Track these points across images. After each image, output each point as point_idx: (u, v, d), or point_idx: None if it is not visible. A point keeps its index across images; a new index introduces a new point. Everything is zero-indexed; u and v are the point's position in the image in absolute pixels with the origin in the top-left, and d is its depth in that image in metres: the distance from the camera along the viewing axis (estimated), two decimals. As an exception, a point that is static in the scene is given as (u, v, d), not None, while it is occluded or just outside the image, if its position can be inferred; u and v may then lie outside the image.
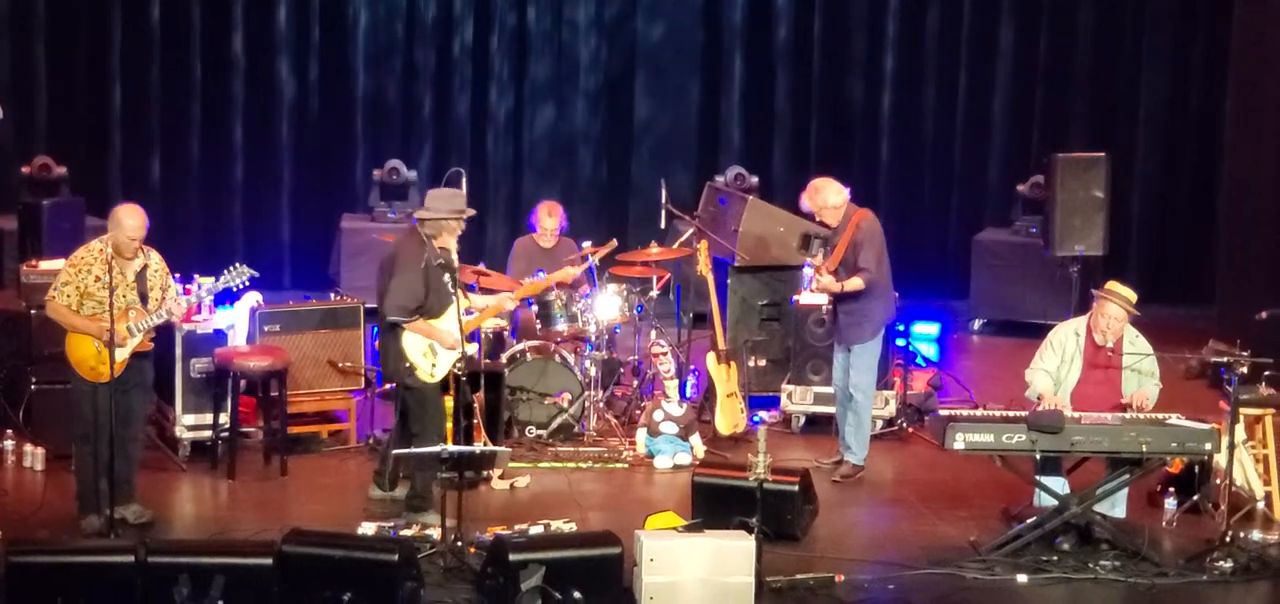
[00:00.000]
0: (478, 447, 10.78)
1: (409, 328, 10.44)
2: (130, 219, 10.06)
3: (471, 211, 10.76)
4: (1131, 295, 10.43)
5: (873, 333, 11.47)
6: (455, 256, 10.72)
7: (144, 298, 10.12)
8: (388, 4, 17.31)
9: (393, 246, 10.72)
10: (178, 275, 11.48)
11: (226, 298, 11.88)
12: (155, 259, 10.29)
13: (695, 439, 11.96)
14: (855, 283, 11.28)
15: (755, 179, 16.55)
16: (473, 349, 10.65)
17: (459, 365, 10.42)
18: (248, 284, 10.65)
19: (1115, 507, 10.37)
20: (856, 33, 17.68)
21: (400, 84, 17.45)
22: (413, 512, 10.43)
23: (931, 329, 15.44)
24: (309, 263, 17.00)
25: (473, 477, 10.70)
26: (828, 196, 11.44)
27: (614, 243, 12.88)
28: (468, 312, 10.65)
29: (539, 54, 17.53)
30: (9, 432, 11.66)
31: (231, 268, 10.52)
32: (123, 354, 9.99)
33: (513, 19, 17.42)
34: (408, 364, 10.46)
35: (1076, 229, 13.89)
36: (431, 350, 10.48)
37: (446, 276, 10.47)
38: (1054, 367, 10.47)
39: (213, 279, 10.65)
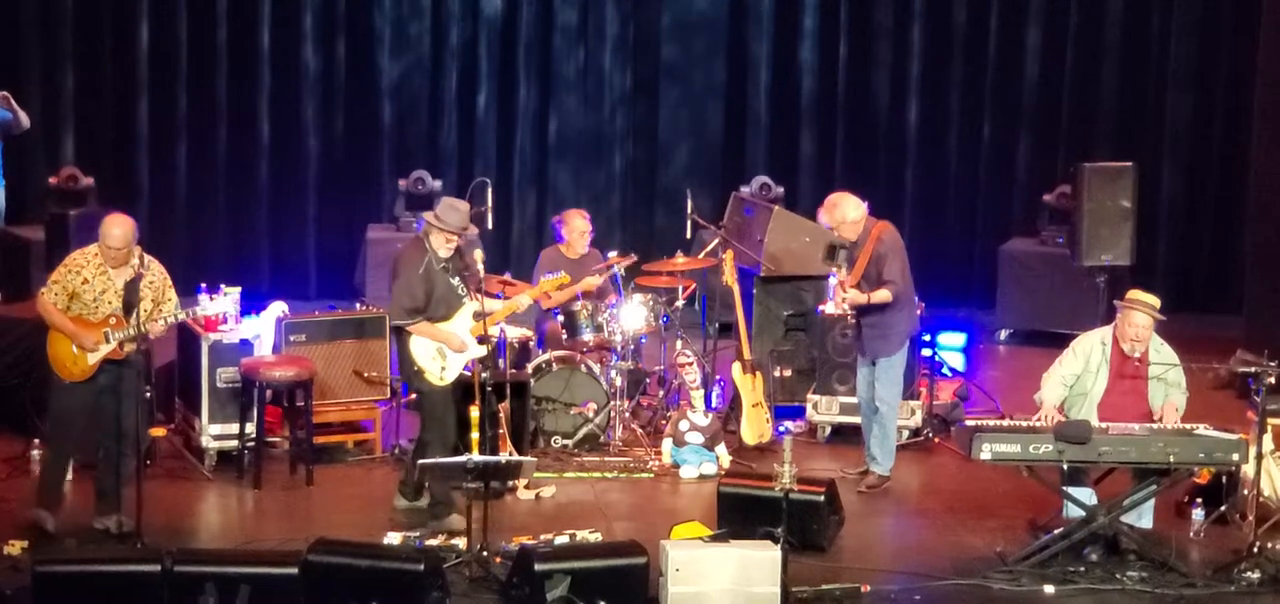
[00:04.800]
0: (503, 457, 10.78)
1: (415, 331, 10.50)
2: (115, 228, 10.09)
3: (467, 227, 10.80)
4: (1155, 301, 10.41)
5: (898, 345, 11.41)
6: (481, 267, 10.75)
7: (129, 307, 10.02)
8: (413, 16, 17.32)
9: (395, 255, 10.88)
10: (203, 285, 11.52)
11: (254, 309, 11.91)
12: (155, 270, 10.24)
13: (721, 449, 11.93)
14: (882, 295, 11.21)
15: (780, 189, 16.53)
16: (483, 350, 10.62)
17: (485, 374, 10.42)
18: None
19: (1142, 517, 10.33)
20: (882, 42, 17.63)
21: (426, 95, 17.45)
22: (436, 519, 10.44)
23: (958, 339, 15.41)
24: (334, 273, 17.00)
25: (498, 487, 10.73)
26: (846, 211, 11.28)
27: (629, 256, 13.08)
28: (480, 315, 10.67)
29: (564, 65, 17.51)
30: (36, 441, 11.68)
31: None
32: (94, 359, 10.07)
33: (538, 31, 17.42)
34: (416, 367, 10.54)
35: (1104, 239, 13.82)
36: (439, 354, 10.54)
37: (455, 279, 10.55)
38: (1074, 375, 10.44)
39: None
